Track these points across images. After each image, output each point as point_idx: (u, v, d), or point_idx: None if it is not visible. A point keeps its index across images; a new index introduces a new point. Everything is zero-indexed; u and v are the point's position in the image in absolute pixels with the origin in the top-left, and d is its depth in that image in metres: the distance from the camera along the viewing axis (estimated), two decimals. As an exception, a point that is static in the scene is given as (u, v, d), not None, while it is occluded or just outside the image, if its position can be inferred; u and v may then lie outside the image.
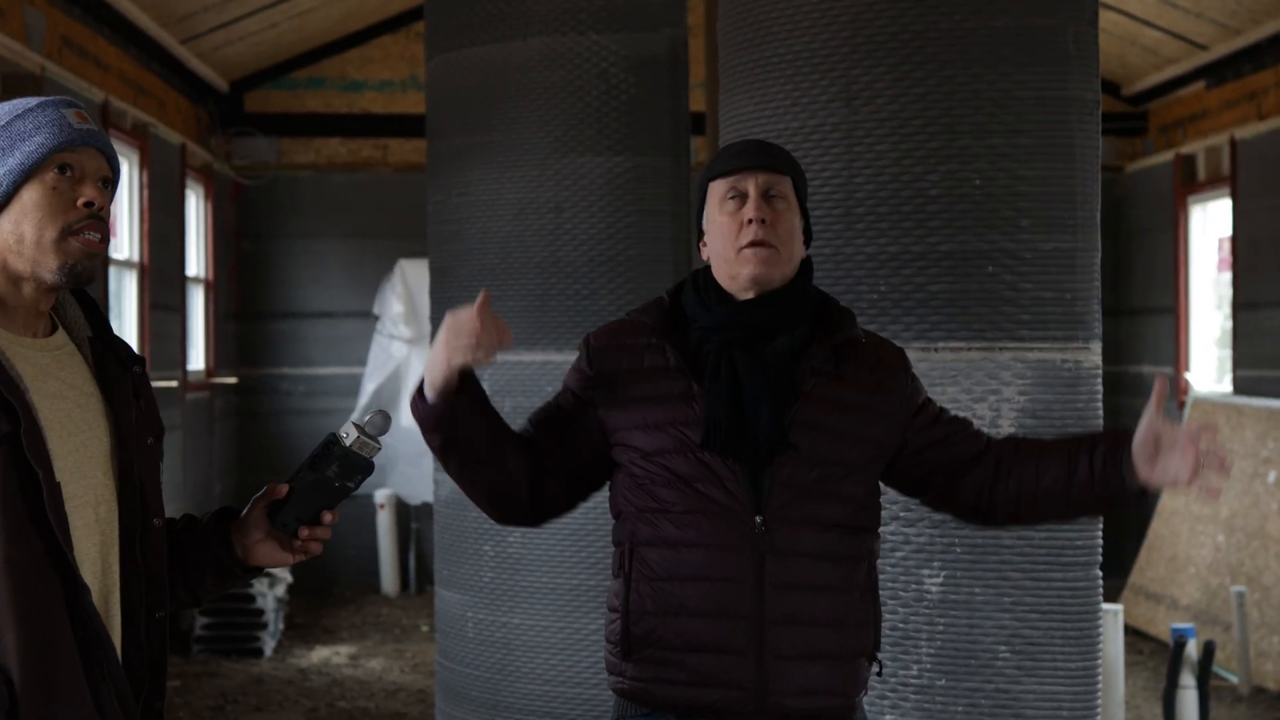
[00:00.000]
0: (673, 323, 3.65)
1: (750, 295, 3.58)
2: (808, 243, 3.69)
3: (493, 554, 6.80)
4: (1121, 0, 12.28)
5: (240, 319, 14.98)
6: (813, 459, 3.51)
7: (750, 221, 3.54)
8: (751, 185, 3.57)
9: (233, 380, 14.67)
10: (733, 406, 3.49)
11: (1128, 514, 11.00)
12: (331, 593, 14.56)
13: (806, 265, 3.67)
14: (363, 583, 14.75)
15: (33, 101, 3.07)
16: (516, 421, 6.55)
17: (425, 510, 14.25)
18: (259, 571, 3.34)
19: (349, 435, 3.22)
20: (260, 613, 11.90)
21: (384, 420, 3.25)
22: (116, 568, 3.10)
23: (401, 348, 14.27)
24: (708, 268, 3.69)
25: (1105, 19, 10.91)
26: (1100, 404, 4.92)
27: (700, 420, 3.51)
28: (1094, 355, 4.89)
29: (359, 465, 3.23)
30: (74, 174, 3.01)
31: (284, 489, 3.24)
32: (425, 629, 12.81)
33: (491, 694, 6.72)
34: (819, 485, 3.51)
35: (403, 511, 14.64)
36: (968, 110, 4.75)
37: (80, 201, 3.00)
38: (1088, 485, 3.55)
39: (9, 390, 2.89)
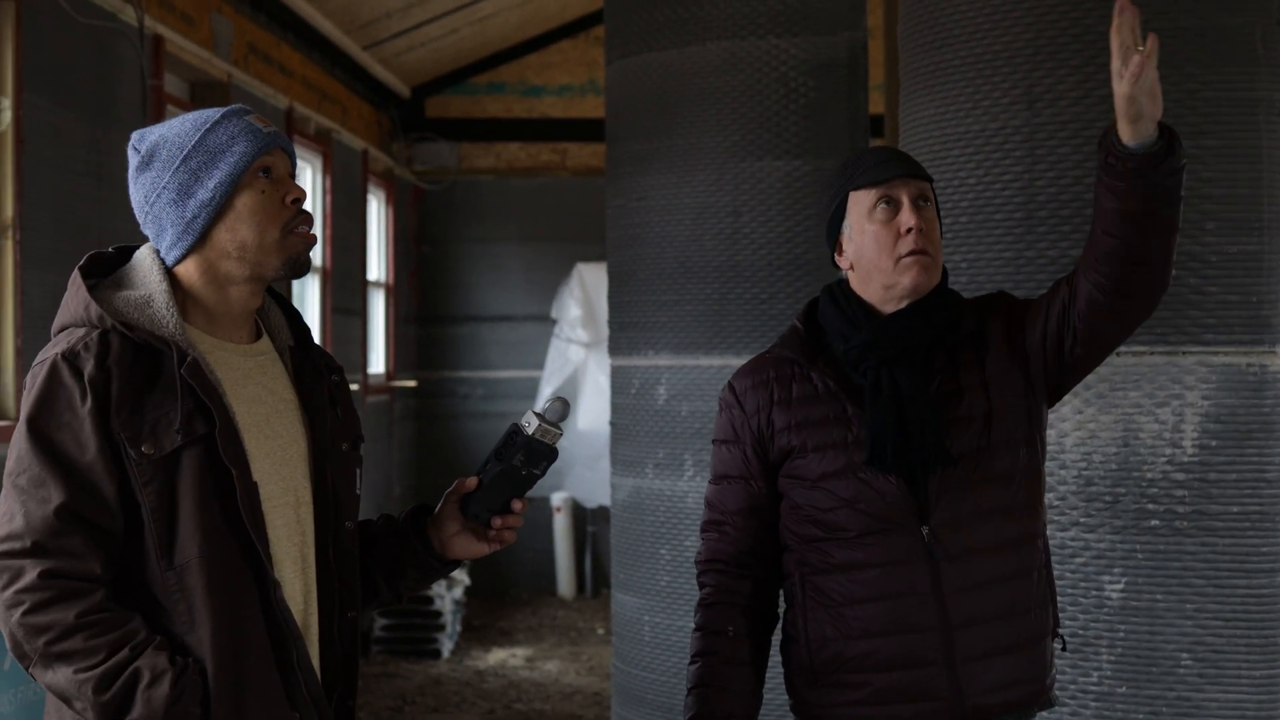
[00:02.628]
0: (813, 348, 3.63)
1: (901, 305, 3.56)
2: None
3: (669, 558, 6.81)
4: (1309, 0, 12.06)
5: (420, 323, 15.13)
6: (961, 456, 3.49)
7: (908, 230, 3.50)
8: (904, 193, 3.53)
9: (412, 383, 14.82)
10: (897, 424, 3.47)
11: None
12: (508, 595, 14.67)
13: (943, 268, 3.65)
14: (539, 585, 14.85)
15: (214, 114, 3.17)
16: (692, 424, 6.60)
17: (601, 513, 14.31)
18: (458, 564, 3.44)
19: (530, 424, 3.30)
20: (438, 615, 12.02)
21: (563, 407, 3.31)
22: (314, 568, 3.19)
23: (579, 351, 14.33)
24: (842, 281, 3.67)
25: (1292, 19, 10.71)
26: (1287, 409, 4.85)
27: (858, 441, 3.50)
28: (1280, 360, 4.82)
29: (543, 452, 3.30)
30: (274, 174, 3.13)
31: (473, 481, 3.33)
32: (601, 632, 12.86)
33: (668, 697, 6.73)
34: (971, 477, 3.49)
35: (579, 515, 14.71)
36: (1152, 112, 4.70)
37: (289, 199, 3.13)
38: (1111, 181, 3.35)
39: (206, 393, 2.99)
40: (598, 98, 14.51)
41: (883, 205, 3.53)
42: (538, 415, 3.30)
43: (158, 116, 8.07)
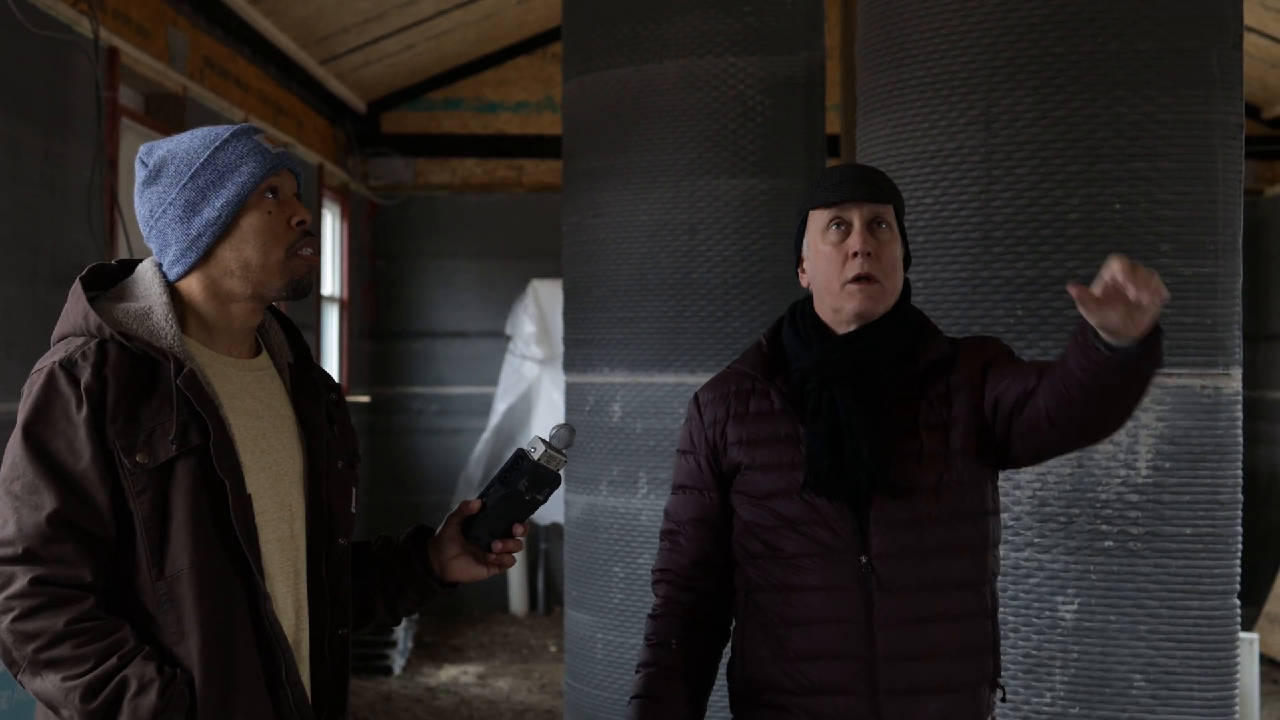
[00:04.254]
0: (774, 365, 3.62)
1: (851, 327, 3.54)
2: (907, 267, 3.63)
3: (623, 575, 6.80)
4: (1261, 22, 12.14)
5: (374, 338, 15.09)
6: (908, 490, 3.47)
7: (855, 254, 3.49)
8: (856, 216, 3.51)
9: (365, 399, 14.78)
10: (834, 446, 3.45)
11: (1255, 528, 10.60)
12: (460, 612, 14.63)
13: (905, 289, 3.62)
14: (491, 602, 14.81)
15: (223, 132, 3.18)
16: (647, 442, 6.59)
17: (554, 531, 14.30)
18: (456, 586, 3.45)
19: (536, 450, 3.33)
20: (389, 631, 11.97)
21: (569, 434, 3.34)
22: (306, 583, 3.21)
23: (533, 368, 14.32)
24: (807, 299, 3.66)
25: (1245, 41, 10.81)
26: (1240, 431, 4.86)
27: (805, 461, 3.49)
28: (1234, 382, 4.83)
29: (547, 478, 3.33)
30: (279, 196, 3.15)
31: (476, 505, 3.35)
32: (553, 649, 12.84)
33: (621, 716, 6.71)
34: (913, 516, 3.47)
35: (532, 532, 14.68)
36: (1109, 134, 4.71)
37: (294, 221, 3.16)
38: (1085, 367, 3.26)
39: (201, 404, 3.02)
40: (554, 114, 14.52)
41: (834, 226, 3.53)
42: (544, 441, 3.32)
43: (113, 129, 8.05)
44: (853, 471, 3.44)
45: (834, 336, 3.56)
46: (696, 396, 3.70)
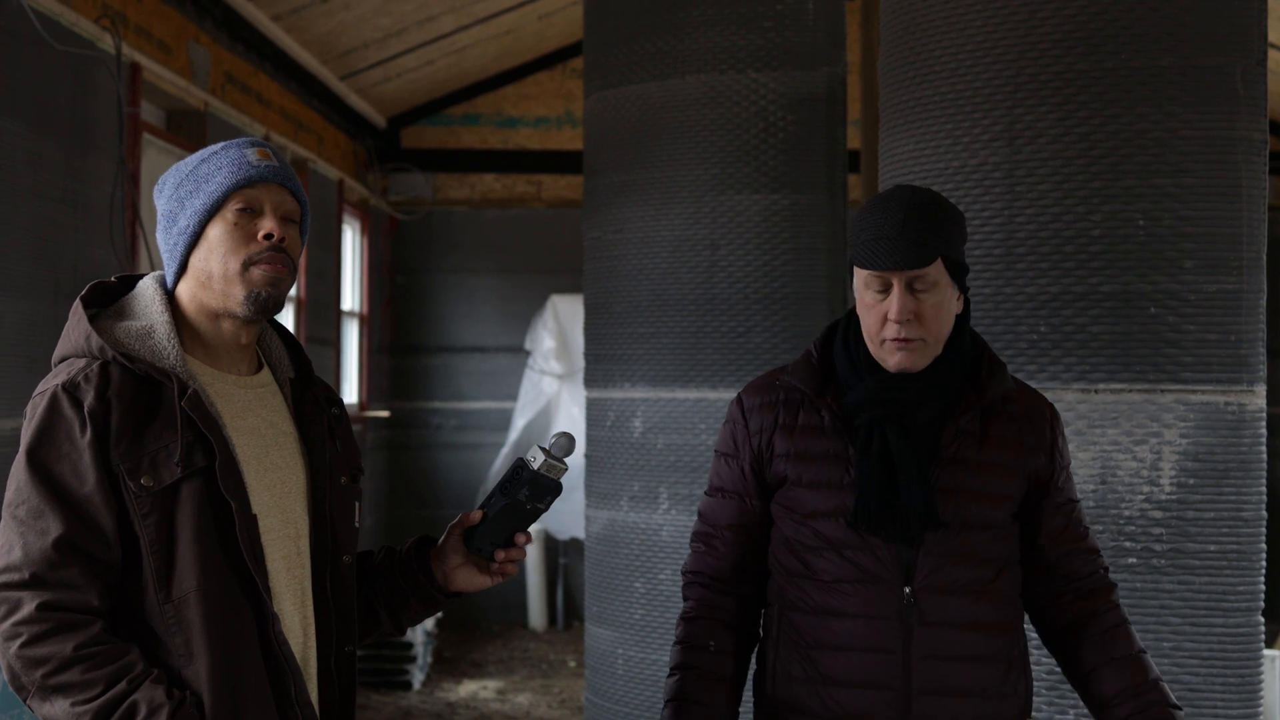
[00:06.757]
0: (825, 380, 3.57)
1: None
2: (965, 292, 3.53)
3: (644, 591, 6.79)
4: (1283, 38, 12.11)
5: (393, 353, 15.10)
6: (957, 525, 3.45)
7: (893, 318, 3.41)
8: (896, 278, 3.40)
9: (385, 414, 14.78)
10: (884, 485, 3.42)
11: (1277, 544, 10.48)
12: (479, 627, 14.63)
13: (962, 320, 3.54)
14: (510, 617, 14.80)
15: (220, 145, 3.17)
16: (668, 457, 6.59)
17: (574, 545, 14.28)
18: (460, 596, 3.44)
19: (536, 459, 3.32)
20: (409, 646, 11.96)
21: (569, 442, 3.32)
22: (312, 601, 3.19)
23: (552, 383, 14.32)
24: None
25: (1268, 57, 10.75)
26: (1264, 447, 4.84)
27: (854, 484, 3.46)
28: (1258, 398, 4.82)
29: (548, 487, 3.32)
30: (254, 209, 3.11)
31: (478, 515, 3.35)
32: (573, 664, 12.83)
33: (641, 731, 6.71)
34: (964, 551, 3.45)
35: (551, 547, 14.67)
36: (1132, 150, 4.70)
37: (260, 234, 3.10)
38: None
39: (206, 426, 3.00)
40: (574, 129, 14.53)
41: (875, 285, 3.43)
42: (544, 450, 3.32)
43: (134, 144, 8.07)
44: (904, 511, 3.41)
45: (884, 373, 3.49)
46: (740, 399, 3.65)
